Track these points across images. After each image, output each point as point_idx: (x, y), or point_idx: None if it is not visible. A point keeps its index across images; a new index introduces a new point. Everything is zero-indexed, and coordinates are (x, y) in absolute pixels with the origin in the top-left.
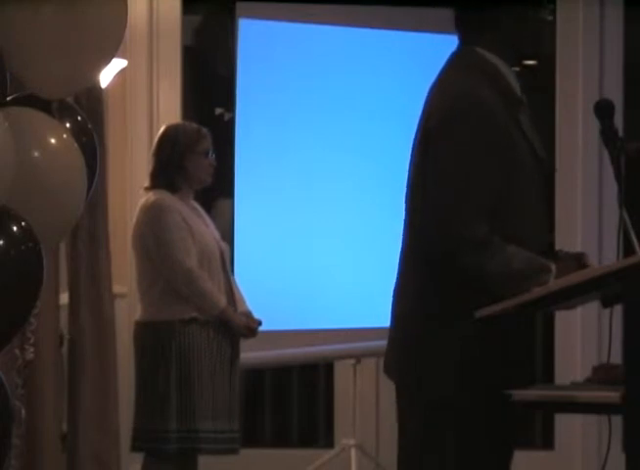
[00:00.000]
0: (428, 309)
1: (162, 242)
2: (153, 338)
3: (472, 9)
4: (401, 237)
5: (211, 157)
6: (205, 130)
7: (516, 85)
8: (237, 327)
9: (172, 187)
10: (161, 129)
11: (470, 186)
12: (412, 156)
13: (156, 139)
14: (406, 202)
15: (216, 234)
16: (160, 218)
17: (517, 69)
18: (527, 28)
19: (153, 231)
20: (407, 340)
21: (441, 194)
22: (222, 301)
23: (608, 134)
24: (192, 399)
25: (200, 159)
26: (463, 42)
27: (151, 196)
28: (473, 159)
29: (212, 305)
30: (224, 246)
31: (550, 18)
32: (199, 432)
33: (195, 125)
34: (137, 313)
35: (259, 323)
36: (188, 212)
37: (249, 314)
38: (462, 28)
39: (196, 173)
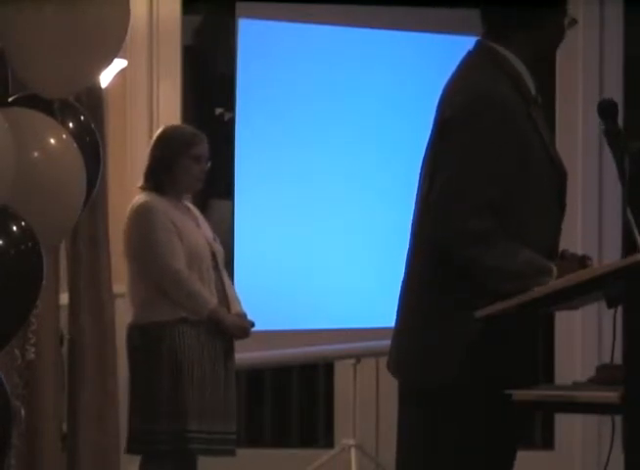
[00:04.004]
0: (430, 303)
1: (149, 244)
2: (143, 340)
3: (494, 7)
4: (410, 230)
5: (205, 163)
6: (202, 135)
7: (531, 85)
8: (228, 327)
9: (161, 189)
10: (159, 130)
11: (476, 177)
12: (427, 149)
13: (153, 139)
14: (417, 191)
15: (209, 235)
16: (146, 221)
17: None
18: (547, 31)
19: (139, 234)
20: (408, 334)
21: (447, 183)
22: (212, 301)
23: (611, 134)
24: (182, 399)
25: (190, 163)
26: (482, 39)
27: (139, 198)
28: (484, 151)
29: (202, 305)
30: (217, 246)
31: (571, 24)
32: (189, 432)
33: (192, 129)
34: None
35: (252, 324)
36: (177, 214)
37: (242, 315)
38: (484, 25)
39: (184, 178)
